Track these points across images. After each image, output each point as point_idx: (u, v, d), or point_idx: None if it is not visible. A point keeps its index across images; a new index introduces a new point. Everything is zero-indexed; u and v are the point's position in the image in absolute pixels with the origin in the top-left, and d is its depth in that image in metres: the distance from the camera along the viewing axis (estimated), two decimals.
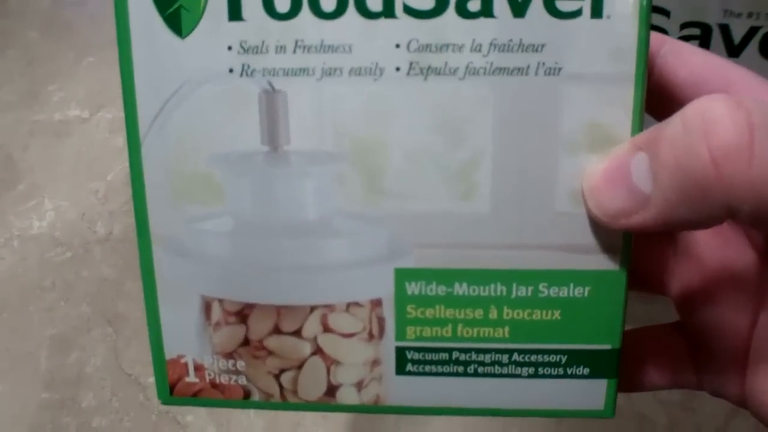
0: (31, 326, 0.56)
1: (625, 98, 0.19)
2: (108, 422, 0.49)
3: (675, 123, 0.17)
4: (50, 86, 0.79)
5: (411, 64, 0.19)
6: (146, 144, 0.20)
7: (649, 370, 0.23)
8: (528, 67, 0.19)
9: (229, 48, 0.19)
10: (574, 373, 0.21)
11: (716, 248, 0.22)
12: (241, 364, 0.21)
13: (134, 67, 0.19)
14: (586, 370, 0.21)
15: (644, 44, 0.19)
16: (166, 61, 0.19)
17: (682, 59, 0.21)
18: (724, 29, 0.34)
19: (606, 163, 0.19)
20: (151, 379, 0.47)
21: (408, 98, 0.19)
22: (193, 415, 0.47)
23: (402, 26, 0.19)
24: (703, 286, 0.22)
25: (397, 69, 0.19)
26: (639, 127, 0.19)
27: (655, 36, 0.20)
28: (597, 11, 0.18)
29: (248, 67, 0.19)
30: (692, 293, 0.22)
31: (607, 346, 0.21)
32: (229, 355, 0.21)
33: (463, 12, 0.18)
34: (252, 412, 0.44)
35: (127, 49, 0.19)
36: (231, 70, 0.19)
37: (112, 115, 0.74)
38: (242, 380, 0.21)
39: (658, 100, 0.21)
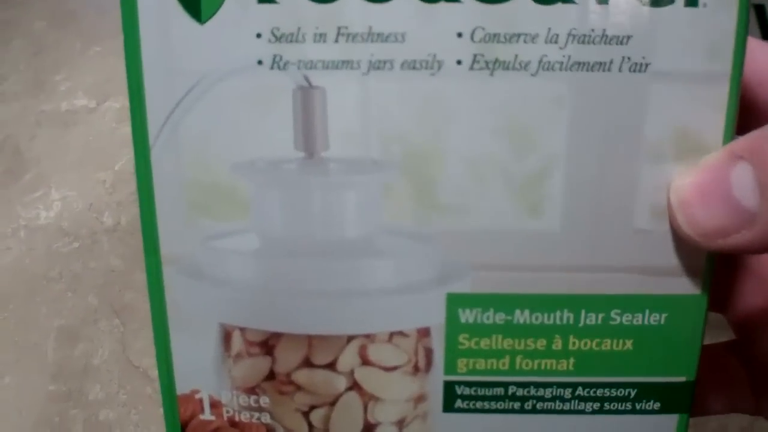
0: (38, 317, 0.56)
1: (719, 100, 0.16)
2: (115, 415, 0.49)
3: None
4: (57, 76, 0.79)
5: (475, 56, 0.16)
6: (156, 149, 0.17)
7: (704, 393, 0.21)
8: (611, 62, 0.16)
9: (258, 35, 0.16)
10: (643, 408, 0.18)
11: None
12: (264, 401, 0.18)
13: (143, 59, 0.16)
14: (657, 405, 0.18)
15: (742, 39, 0.16)
16: (182, 51, 0.16)
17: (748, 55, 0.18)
18: (759, 10, 0.32)
19: (700, 174, 0.16)
20: None
21: (470, 97, 0.16)
22: None
23: (466, 11, 0.16)
24: (765, 307, 0.20)
25: (459, 62, 0.16)
26: (732, 133, 0.17)
27: None
28: None
29: (281, 58, 0.16)
30: (754, 315, 0.20)
31: (682, 379, 0.18)
32: (252, 391, 0.18)
33: None
34: None
35: (134, 37, 0.16)
36: (260, 62, 0.16)
37: (120, 105, 0.73)
38: (266, 418, 0.18)
39: None
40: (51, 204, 0.65)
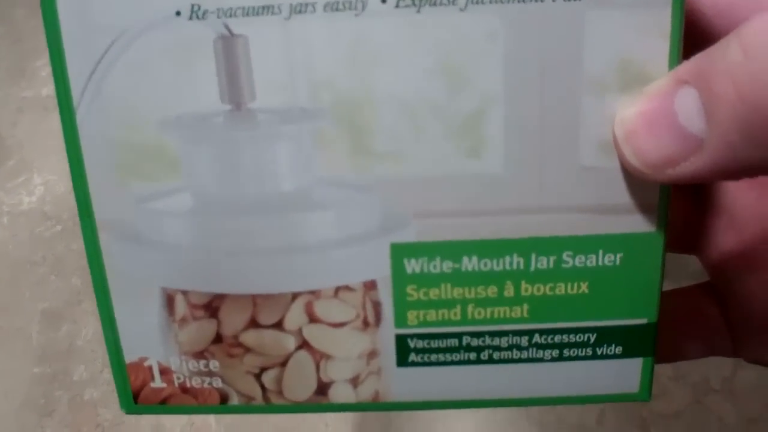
0: (22, 301, 0.56)
1: (661, 26, 0.15)
2: (100, 394, 0.49)
3: (732, 48, 0.14)
4: (37, 62, 0.79)
5: None
6: (81, 110, 0.16)
7: (680, 339, 0.20)
8: None
9: None
10: (604, 353, 0.18)
11: (752, 202, 0.19)
12: (214, 365, 0.18)
13: (59, 16, 0.16)
14: (619, 349, 0.18)
15: None
16: (99, 6, 0.15)
17: None
18: None
19: (644, 103, 0.15)
20: None
21: (398, 36, 0.16)
22: None
23: None
24: (739, 246, 0.19)
25: (383, 1, 0.15)
26: (677, 59, 0.16)
27: None
28: None
29: (199, 7, 0.15)
30: (728, 254, 0.19)
31: (643, 321, 0.18)
32: (200, 355, 0.18)
33: None
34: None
35: (53, 20, 0.15)
36: (178, 13, 0.15)
37: None
38: (217, 383, 0.18)
39: None
40: (33, 189, 0.65)
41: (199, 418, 0.45)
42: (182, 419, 0.45)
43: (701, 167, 0.15)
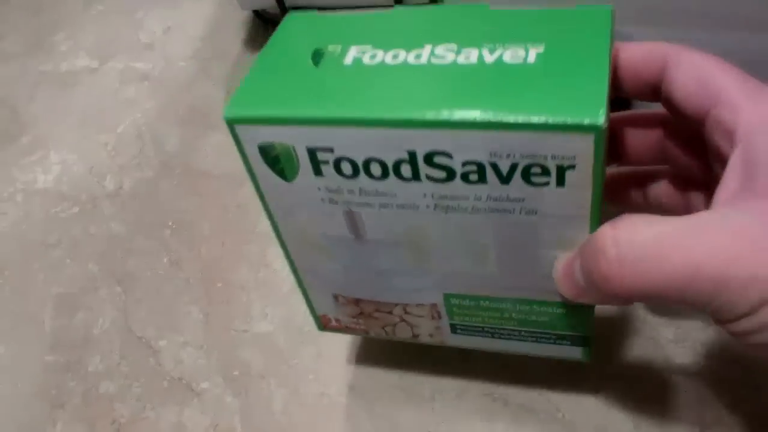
0: (35, 285, 0.52)
1: (581, 226, 0.27)
2: (116, 388, 0.45)
3: (589, 245, 0.26)
4: (57, 36, 0.74)
5: (435, 204, 0.28)
6: (282, 230, 0.32)
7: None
8: (513, 209, 0.27)
9: (318, 189, 0.29)
10: (560, 342, 0.33)
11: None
12: (360, 321, 0.35)
13: (267, 200, 0.30)
14: (568, 342, 0.33)
15: (598, 199, 0.26)
16: (284, 195, 0.30)
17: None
18: None
19: (563, 263, 0.28)
20: (163, 343, 0.47)
21: (439, 224, 0.29)
22: (208, 383, 0.44)
23: (426, 185, 0.28)
24: None
25: (427, 207, 0.28)
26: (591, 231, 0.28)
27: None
28: (560, 182, 0.26)
29: (333, 200, 0.29)
30: None
31: (581, 333, 0.32)
32: (353, 317, 0.35)
33: (465, 180, 0.27)
34: (273, 381, 0.43)
35: (261, 194, 0.30)
36: (322, 200, 0.30)
37: (123, 65, 0.69)
38: (362, 327, 0.36)
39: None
40: (50, 167, 0.61)
41: (223, 422, 0.42)
42: (205, 421, 0.42)
43: (589, 301, 0.28)
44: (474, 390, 0.40)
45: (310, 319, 0.42)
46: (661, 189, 0.32)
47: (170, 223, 0.54)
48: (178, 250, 0.52)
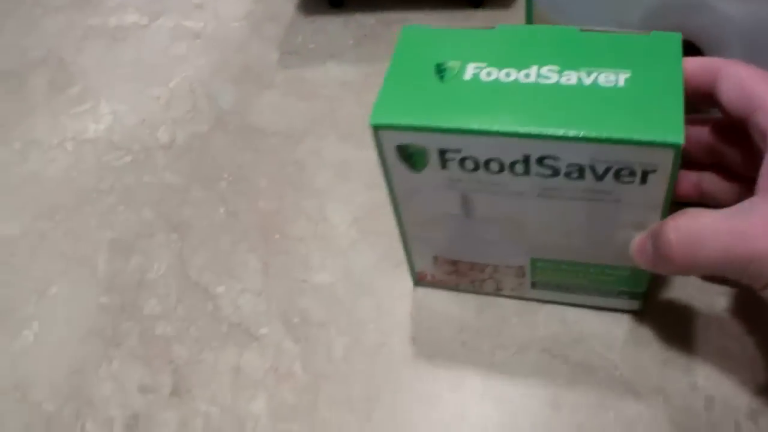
0: (87, 229, 0.53)
1: (655, 213, 0.35)
2: (174, 329, 0.45)
3: (657, 230, 0.33)
4: None
5: (539, 193, 0.35)
6: (402, 208, 0.39)
7: None
8: (602, 199, 0.35)
9: (442, 179, 0.36)
10: (621, 297, 0.41)
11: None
12: (452, 277, 0.43)
13: (394, 185, 0.37)
14: (627, 296, 0.41)
15: (670, 194, 0.33)
16: (410, 182, 0.37)
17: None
18: None
19: (637, 241, 0.36)
20: (221, 289, 0.47)
21: (539, 207, 0.36)
22: (268, 329, 0.45)
23: (534, 180, 0.34)
24: None
25: (531, 194, 0.35)
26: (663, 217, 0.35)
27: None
28: (643, 181, 0.33)
29: (453, 186, 0.36)
30: None
31: (639, 290, 0.40)
32: (448, 274, 0.43)
33: (568, 177, 0.34)
34: (333, 330, 0.44)
35: (390, 180, 0.37)
36: (443, 187, 0.36)
37: (174, 23, 0.70)
38: (453, 281, 0.43)
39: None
40: (100, 117, 0.61)
41: (283, 366, 0.43)
42: (265, 364, 0.43)
43: (658, 271, 0.36)
44: (534, 346, 0.42)
45: (370, 273, 0.46)
46: (714, 183, 0.39)
47: (226, 176, 0.54)
48: (234, 202, 0.52)
